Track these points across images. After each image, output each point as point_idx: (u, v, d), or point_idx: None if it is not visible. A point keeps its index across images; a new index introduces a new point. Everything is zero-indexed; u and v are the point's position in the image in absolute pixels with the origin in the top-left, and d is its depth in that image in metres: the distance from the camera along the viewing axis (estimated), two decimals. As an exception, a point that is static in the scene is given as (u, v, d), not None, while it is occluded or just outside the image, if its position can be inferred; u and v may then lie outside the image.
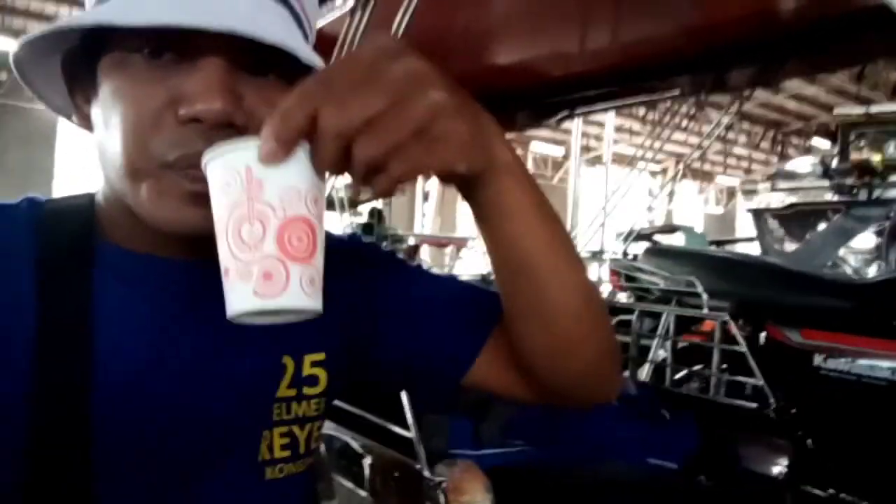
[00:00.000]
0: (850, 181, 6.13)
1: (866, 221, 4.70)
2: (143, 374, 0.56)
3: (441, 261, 10.81)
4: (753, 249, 6.33)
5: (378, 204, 7.52)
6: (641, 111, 14.38)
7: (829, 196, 6.23)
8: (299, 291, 0.43)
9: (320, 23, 1.60)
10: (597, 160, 14.16)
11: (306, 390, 0.65)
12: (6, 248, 0.56)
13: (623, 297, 4.11)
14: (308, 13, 0.59)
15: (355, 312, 0.68)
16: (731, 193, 22.87)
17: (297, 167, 0.43)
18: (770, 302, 3.06)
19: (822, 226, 5.68)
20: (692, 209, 21.49)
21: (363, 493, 1.88)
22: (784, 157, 16.65)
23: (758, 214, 6.22)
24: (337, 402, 0.74)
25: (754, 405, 2.32)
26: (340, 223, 3.99)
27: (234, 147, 0.44)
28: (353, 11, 1.87)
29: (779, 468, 2.19)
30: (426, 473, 1.71)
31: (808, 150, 14.75)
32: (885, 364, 2.56)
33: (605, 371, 0.64)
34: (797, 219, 5.92)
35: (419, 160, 0.42)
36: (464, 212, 10.67)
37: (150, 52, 0.51)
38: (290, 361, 0.64)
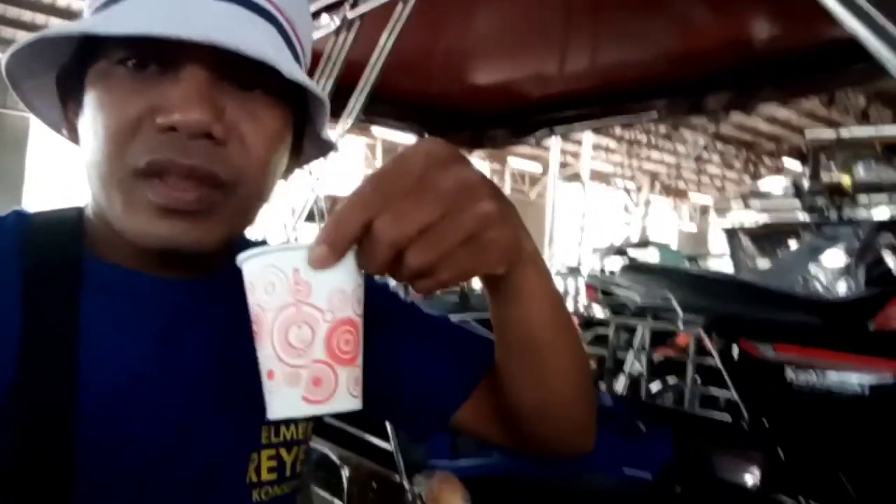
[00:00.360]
0: (820, 202, 6.26)
1: (836, 240, 4.80)
2: (128, 394, 0.55)
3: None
4: (726, 266, 6.42)
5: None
6: (619, 130, 14.52)
7: (801, 216, 6.34)
8: (346, 395, 0.43)
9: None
10: (574, 177, 14.24)
11: None
12: None
13: (599, 311, 4.15)
14: (300, 34, 0.58)
15: None
16: (704, 211, 23.12)
17: (345, 269, 0.43)
18: (743, 317, 3.12)
19: (793, 244, 5.79)
20: (666, 226, 21.72)
21: (341, 505, 1.88)
22: (756, 176, 16.88)
23: (731, 233, 6.33)
24: None
25: (728, 417, 2.36)
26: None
27: (279, 248, 0.43)
28: (337, 31, 1.87)
29: (752, 478, 2.23)
30: (405, 484, 1.72)
31: (780, 171, 14.98)
32: (854, 378, 2.63)
33: (589, 428, 0.66)
34: (769, 237, 6.03)
35: (465, 266, 0.44)
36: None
37: (134, 64, 0.51)
38: None
